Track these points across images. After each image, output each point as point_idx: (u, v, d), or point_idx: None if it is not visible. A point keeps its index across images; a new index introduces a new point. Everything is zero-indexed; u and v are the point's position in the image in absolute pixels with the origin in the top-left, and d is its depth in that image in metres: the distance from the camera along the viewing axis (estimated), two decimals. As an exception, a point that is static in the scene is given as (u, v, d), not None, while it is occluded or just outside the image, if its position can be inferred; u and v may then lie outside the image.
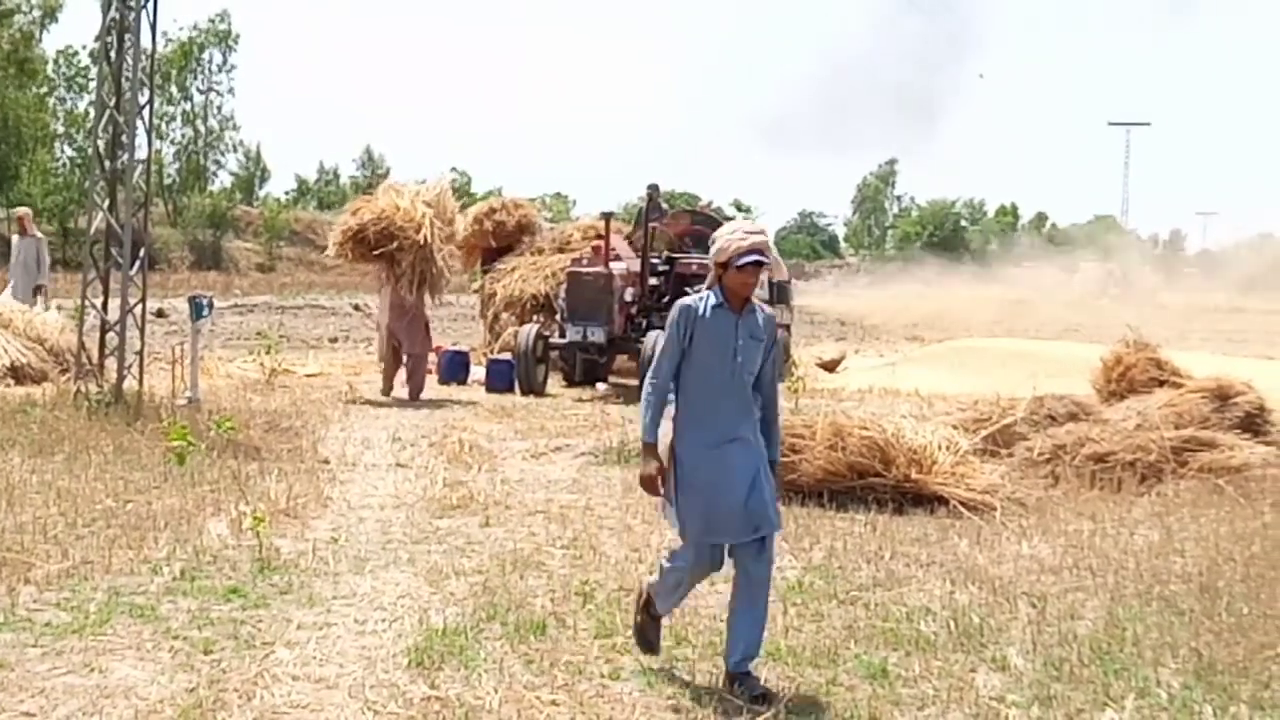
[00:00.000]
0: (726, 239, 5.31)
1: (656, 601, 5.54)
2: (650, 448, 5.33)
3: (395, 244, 15.49)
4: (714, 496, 5.23)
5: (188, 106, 66.40)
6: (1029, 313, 38.51)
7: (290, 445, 11.35)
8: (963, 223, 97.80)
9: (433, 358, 19.15)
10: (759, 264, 5.26)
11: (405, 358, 16.14)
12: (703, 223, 20.47)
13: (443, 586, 6.86)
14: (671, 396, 5.39)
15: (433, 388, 17.20)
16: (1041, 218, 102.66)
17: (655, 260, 18.07)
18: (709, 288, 5.41)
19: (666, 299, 17.78)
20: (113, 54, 13.18)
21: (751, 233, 5.31)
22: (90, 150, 14.67)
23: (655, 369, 5.38)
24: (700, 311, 5.33)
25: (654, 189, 18.20)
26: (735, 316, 5.32)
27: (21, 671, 5.36)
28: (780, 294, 21.19)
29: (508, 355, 17.54)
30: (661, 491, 5.36)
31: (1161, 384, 11.96)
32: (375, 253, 15.67)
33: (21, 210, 20.32)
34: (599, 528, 8.46)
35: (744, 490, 5.22)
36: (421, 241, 15.49)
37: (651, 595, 5.53)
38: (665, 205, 19.68)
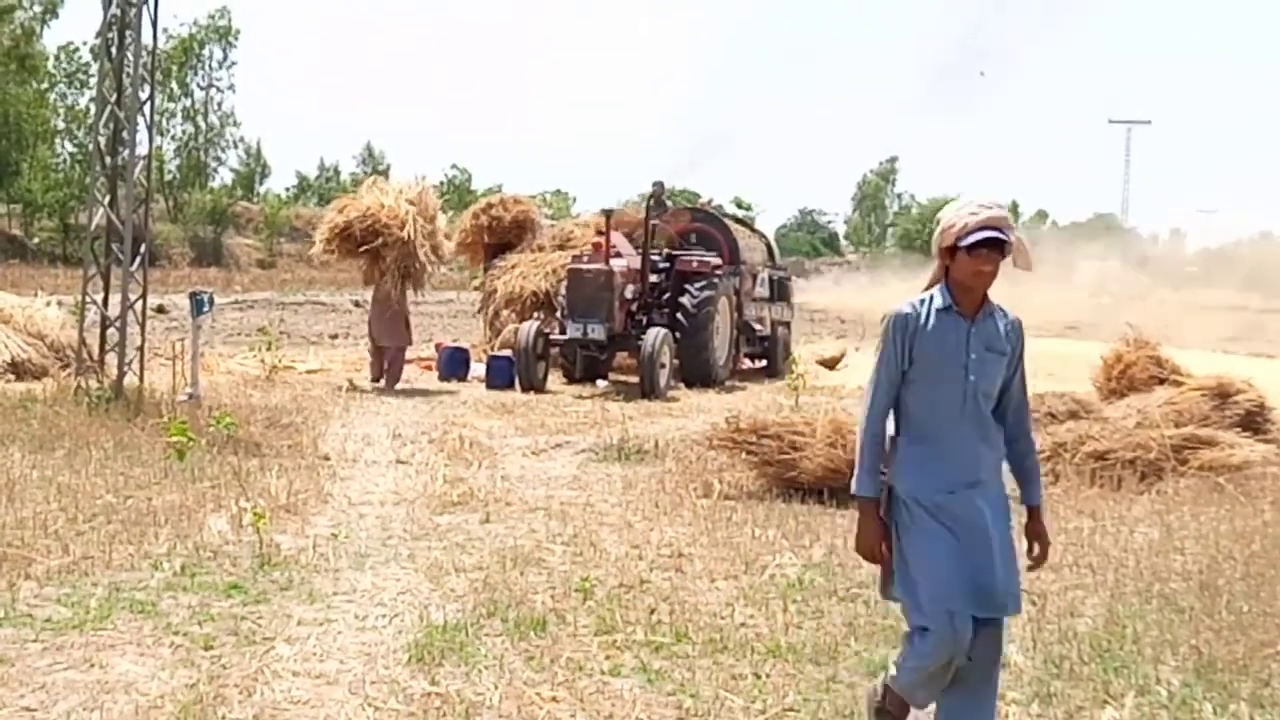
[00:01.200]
0: (953, 215, 4.13)
1: (908, 700, 4.35)
2: (867, 505, 4.20)
3: (380, 240, 15.99)
4: (952, 555, 4.08)
5: (188, 103, 66.48)
6: (1029, 311, 38.46)
7: (290, 441, 11.36)
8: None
9: (433, 354, 19.24)
10: (997, 243, 4.07)
11: (385, 349, 16.64)
12: (703, 220, 20.52)
13: (443, 583, 6.86)
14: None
15: (432, 383, 17.26)
16: (1042, 215, 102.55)
17: (656, 257, 18.07)
18: (931, 285, 4.24)
19: (667, 296, 17.81)
20: (113, 50, 13.19)
21: (985, 206, 4.10)
22: (91, 146, 14.66)
23: (869, 407, 4.21)
24: (921, 319, 4.17)
25: (659, 186, 18.23)
26: (967, 324, 4.16)
27: (22, 666, 5.36)
28: (780, 291, 21.24)
29: (508, 352, 17.58)
30: (882, 558, 4.23)
31: (1162, 382, 11.99)
32: (361, 249, 16.18)
33: None
34: (599, 524, 8.46)
35: (995, 554, 4.10)
36: (405, 237, 15.97)
37: (896, 694, 4.35)
38: (669, 202, 19.71)
